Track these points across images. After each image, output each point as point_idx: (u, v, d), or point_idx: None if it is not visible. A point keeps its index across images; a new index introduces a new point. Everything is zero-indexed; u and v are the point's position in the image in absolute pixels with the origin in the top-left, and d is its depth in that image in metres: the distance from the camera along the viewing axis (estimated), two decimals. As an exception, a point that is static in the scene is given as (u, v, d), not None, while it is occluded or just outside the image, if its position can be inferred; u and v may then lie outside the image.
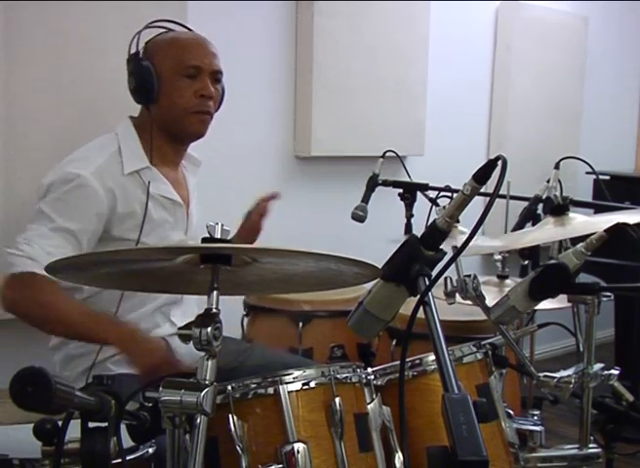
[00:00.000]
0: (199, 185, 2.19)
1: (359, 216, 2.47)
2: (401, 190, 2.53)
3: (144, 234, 1.89)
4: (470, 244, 1.08)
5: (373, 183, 2.50)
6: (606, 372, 1.73)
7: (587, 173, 3.09)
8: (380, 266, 1.22)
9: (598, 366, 1.73)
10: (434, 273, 1.13)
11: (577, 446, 1.76)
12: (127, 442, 1.27)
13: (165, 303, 1.98)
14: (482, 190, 1.11)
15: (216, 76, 1.97)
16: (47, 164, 1.95)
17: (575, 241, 1.69)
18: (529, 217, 2.30)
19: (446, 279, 1.60)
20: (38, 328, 1.78)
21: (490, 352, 1.66)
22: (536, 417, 1.77)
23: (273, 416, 1.33)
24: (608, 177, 3.89)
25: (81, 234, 1.80)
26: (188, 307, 2.04)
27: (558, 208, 1.89)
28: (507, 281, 2.37)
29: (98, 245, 1.87)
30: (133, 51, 1.95)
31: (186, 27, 2.06)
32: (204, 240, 1.22)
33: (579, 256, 1.58)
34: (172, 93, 1.92)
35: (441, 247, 1.18)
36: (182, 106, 1.92)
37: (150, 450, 1.35)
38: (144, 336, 1.75)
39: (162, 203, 1.96)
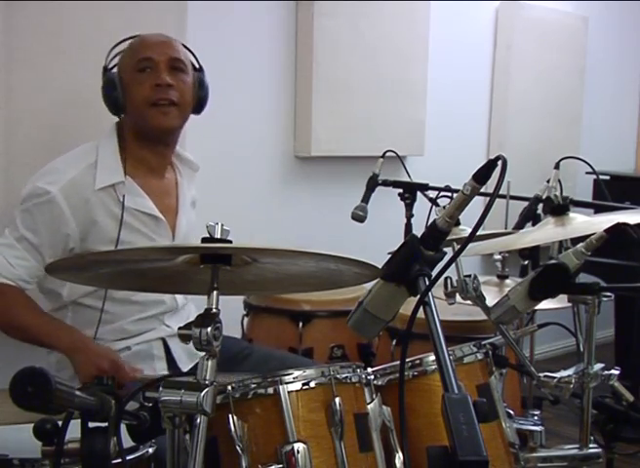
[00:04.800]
0: (199, 185, 2.18)
1: (359, 216, 2.47)
2: (401, 190, 2.53)
3: (122, 246, 1.86)
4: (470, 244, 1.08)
5: (373, 183, 2.50)
6: (606, 372, 1.73)
7: (587, 173, 3.09)
8: (379, 266, 1.22)
9: (598, 366, 1.73)
10: (434, 273, 1.13)
11: (577, 446, 1.76)
12: (127, 442, 1.27)
13: (160, 312, 1.97)
14: (482, 190, 1.11)
15: (175, 65, 1.92)
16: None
17: (575, 241, 1.69)
18: (529, 217, 2.30)
19: (446, 279, 1.60)
20: None
21: (490, 352, 1.66)
22: (536, 417, 1.77)
23: (273, 416, 1.32)
24: (608, 177, 3.89)
25: (42, 248, 1.82)
26: (181, 310, 2.03)
27: (558, 208, 1.89)
28: (507, 281, 2.37)
29: None
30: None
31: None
32: (204, 240, 1.22)
33: (579, 256, 1.58)
34: (131, 91, 1.91)
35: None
36: (141, 100, 1.89)
37: (150, 450, 1.36)
38: (94, 347, 1.78)
39: (138, 217, 1.92)
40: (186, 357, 1.98)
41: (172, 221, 2.01)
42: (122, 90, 1.91)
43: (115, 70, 1.94)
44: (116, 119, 1.99)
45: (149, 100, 1.89)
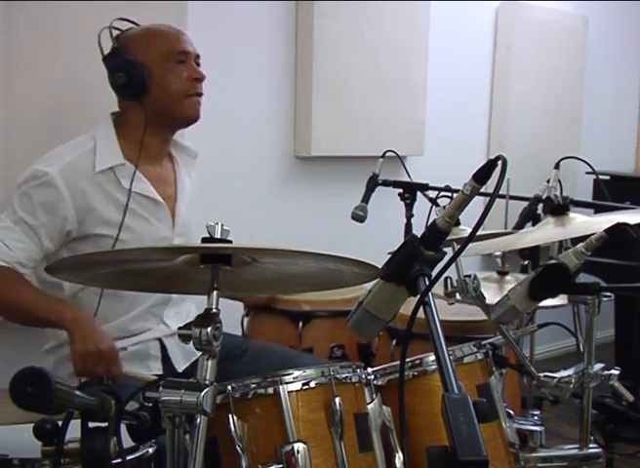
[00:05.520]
0: (199, 185, 2.18)
1: (359, 216, 2.47)
2: (401, 190, 2.53)
3: (122, 230, 1.86)
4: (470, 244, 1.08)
5: (373, 183, 2.50)
6: (606, 372, 1.73)
7: (587, 173, 3.09)
8: (380, 266, 1.22)
9: (598, 366, 1.73)
10: (434, 273, 1.13)
11: (577, 446, 1.76)
12: (127, 442, 1.27)
13: (156, 304, 1.97)
14: (482, 190, 1.11)
15: (197, 61, 2.00)
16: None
17: (575, 241, 1.69)
18: (529, 217, 2.30)
19: (446, 279, 1.60)
20: None
21: (490, 352, 1.66)
22: (536, 417, 1.77)
23: (273, 416, 1.33)
24: (608, 177, 3.89)
25: (39, 230, 1.82)
26: (181, 306, 2.03)
27: (558, 208, 1.89)
28: (508, 277, 2.37)
29: (73, 242, 1.87)
30: (105, 48, 1.95)
31: (136, 24, 2.05)
32: (204, 240, 1.22)
33: (579, 256, 1.58)
34: (165, 79, 1.93)
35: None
36: (178, 91, 1.93)
37: (150, 450, 1.36)
38: (98, 327, 1.77)
39: (138, 201, 1.92)
40: (182, 357, 1.98)
41: (171, 207, 2.01)
42: (149, 75, 1.91)
43: (130, 55, 1.92)
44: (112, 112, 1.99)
45: (187, 92, 1.95)
